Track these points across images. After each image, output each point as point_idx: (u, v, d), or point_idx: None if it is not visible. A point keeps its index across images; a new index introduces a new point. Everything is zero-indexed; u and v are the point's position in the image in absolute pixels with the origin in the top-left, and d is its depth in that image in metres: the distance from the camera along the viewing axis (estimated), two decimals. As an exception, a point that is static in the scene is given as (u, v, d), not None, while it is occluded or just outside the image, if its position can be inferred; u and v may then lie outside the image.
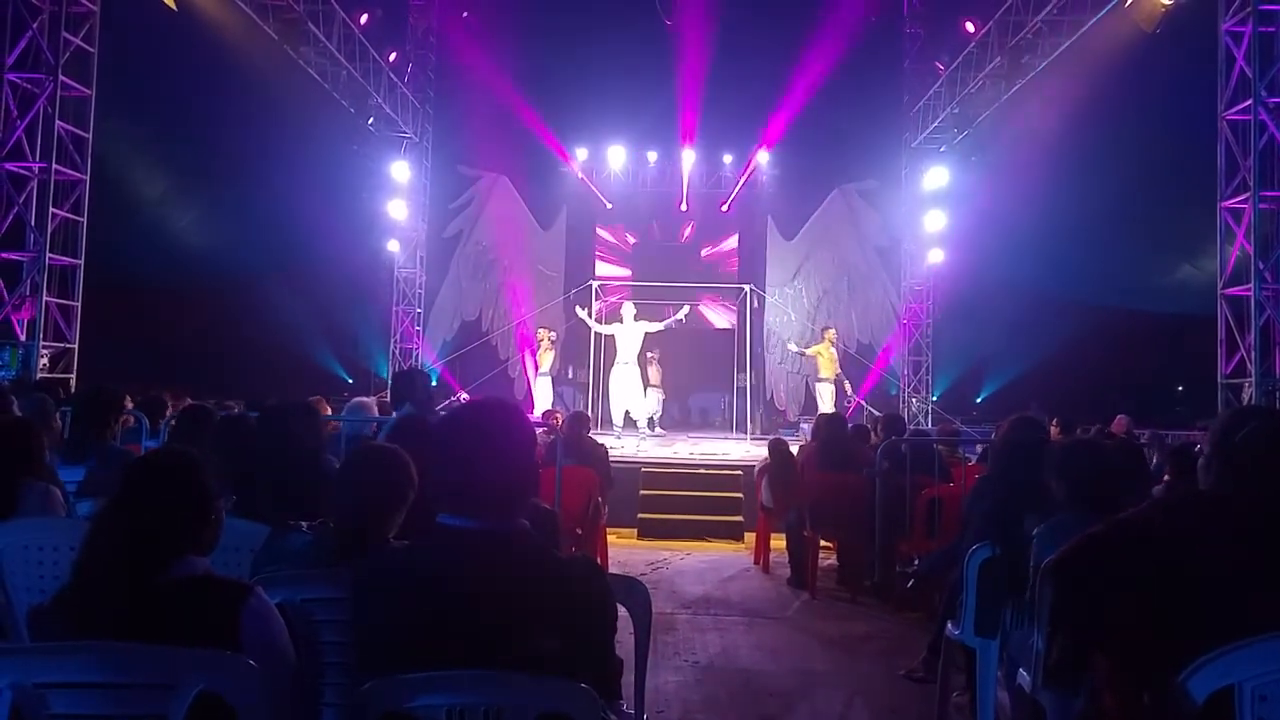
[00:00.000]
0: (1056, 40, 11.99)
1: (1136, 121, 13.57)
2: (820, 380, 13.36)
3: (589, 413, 10.59)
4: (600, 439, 8.61)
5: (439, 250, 17.23)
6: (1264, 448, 2.09)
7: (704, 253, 17.66)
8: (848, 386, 13.64)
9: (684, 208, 17.00)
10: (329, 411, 6.76)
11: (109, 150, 11.53)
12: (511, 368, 16.80)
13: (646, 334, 12.71)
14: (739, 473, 10.06)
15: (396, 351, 16.63)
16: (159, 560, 1.92)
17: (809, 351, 13.64)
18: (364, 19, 14.04)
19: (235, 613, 1.89)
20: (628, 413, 12.89)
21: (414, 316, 16.93)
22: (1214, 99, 9.62)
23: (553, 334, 14.36)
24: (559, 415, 9.01)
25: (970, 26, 14.01)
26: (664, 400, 14.72)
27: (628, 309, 12.98)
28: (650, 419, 13.67)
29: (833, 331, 13.69)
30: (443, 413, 4.71)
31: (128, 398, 5.24)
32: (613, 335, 12.96)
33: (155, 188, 15.05)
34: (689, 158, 17.05)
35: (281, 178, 14.13)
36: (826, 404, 12.92)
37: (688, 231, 17.63)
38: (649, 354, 14.26)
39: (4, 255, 9.74)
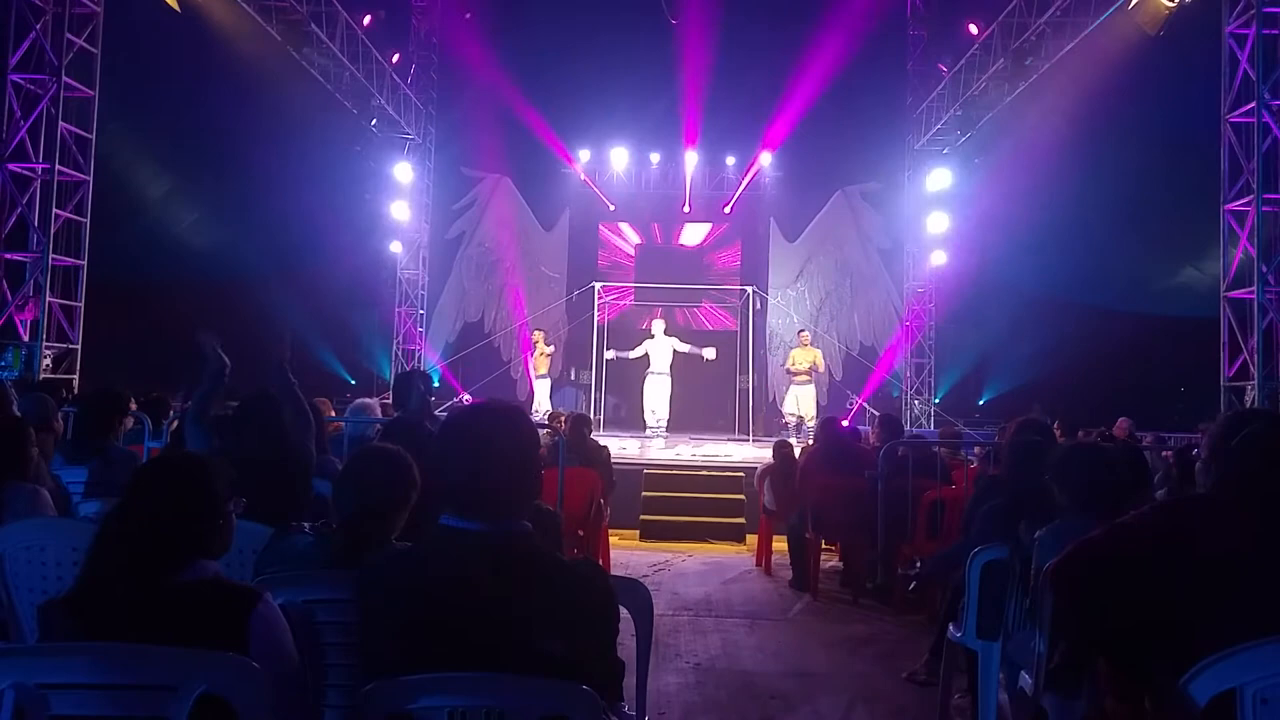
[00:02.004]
0: (1060, 42, 11.98)
1: (1139, 124, 13.56)
2: (798, 383, 13.38)
3: (591, 414, 10.61)
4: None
5: (441, 251, 17.26)
6: (1262, 450, 2.09)
7: (706, 255, 17.65)
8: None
9: (687, 209, 17.01)
10: (333, 413, 6.76)
11: (112, 151, 11.54)
12: (514, 369, 16.82)
13: (674, 350, 13.11)
14: (741, 475, 10.06)
15: (399, 353, 16.64)
16: (168, 563, 1.92)
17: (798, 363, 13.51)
18: (367, 20, 14.07)
19: (244, 617, 1.89)
20: (655, 413, 13.19)
21: (416, 318, 16.95)
22: (1217, 101, 9.62)
23: (545, 335, 14.23)
24: (563, 417, 9.01)
25: (973, 28, 14.01)
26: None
27: (658, 325, 13.38)
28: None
29: (806, 334, 13.68)
30: (441, 414, 4.73)
31: (131, 399, 5.23)
32: (646, 353, 13.19)
33: (158, 188, 15.08)
34: (691, 160, 17.08)
35: (284, 179, 14.14)
36: (806, 405, 12.97)
37: (690, 233, 17.62)
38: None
39: (7, 255, 9.76)
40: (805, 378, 13.03)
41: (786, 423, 13.39)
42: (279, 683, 1.85)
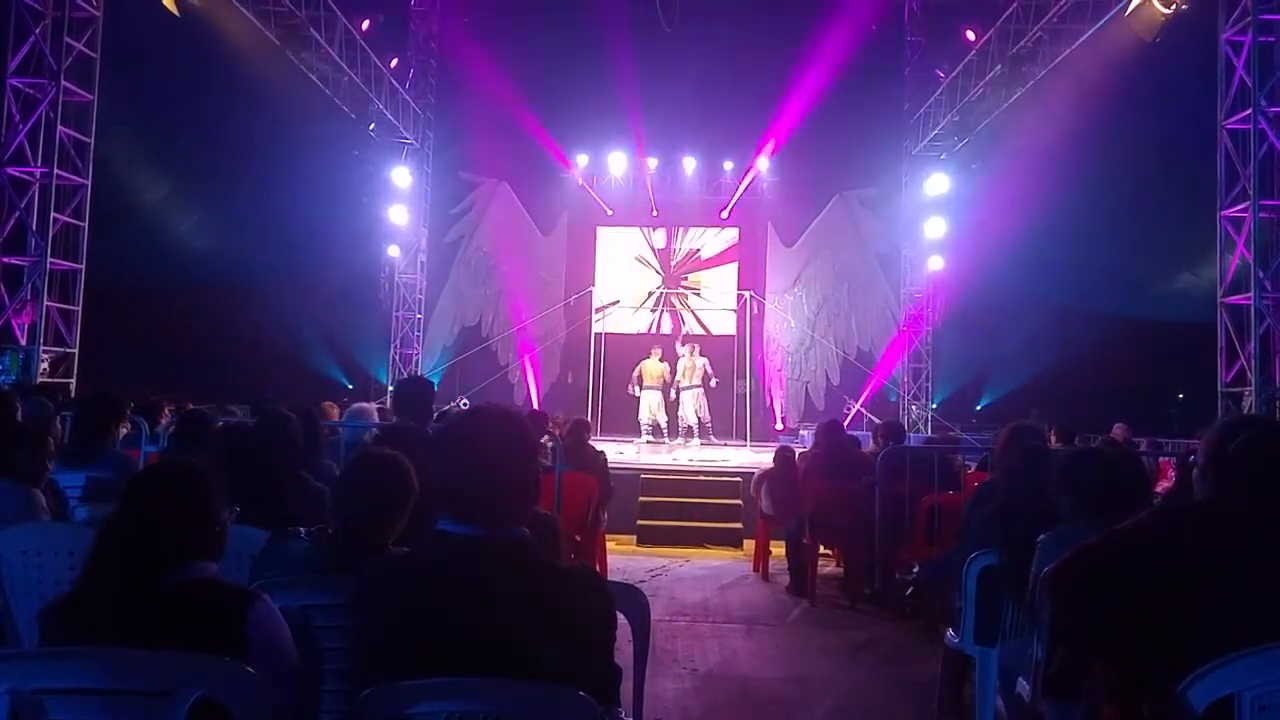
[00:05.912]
0: (1057, 49, 12.01)
1: (1136, 130, 13.58)
2: (686, 389, 13.97)
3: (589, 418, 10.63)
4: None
5: (439, 256, 17.26)
6: (1258, 456, 2.09)
7: (704, 259, 17.61)
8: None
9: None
10: (337, 416, 6.74)
11: (110, 155, 11.54)
12: (511, 373, 16.81)
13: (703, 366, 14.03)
14: (738, 480, 10.06)
15: (396, 357, 16.63)
16: (166, 566, 1.92)
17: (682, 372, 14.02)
18: (366, 25, 14.07)
19: (242, 618, 1.90)
20: (691, 424, 14.00)
21: (414, 322, 16.94)
22: (1214, 108, 9.64)
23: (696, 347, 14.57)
24: (557, 422, 9.01)
25: (971, 35, 14.03)
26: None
27: (686, 348, 14.24)
28: (650, 425, 13.96)
29: (689, 346, 14.34)
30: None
31: (129, 403, 5.21)
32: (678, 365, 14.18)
33: (156, 193, 15.07)
34: (690, 164, 17.09)
35: (282, 183, 14.15)
36: (689, 410, 13.83)
37: (688, 237, 17.61)
38: (654, 348, 14.41)
39: (5, 260, 9.75)
40: (699, 385, 13.89)
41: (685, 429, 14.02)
42: (279, 682, 1.85)
